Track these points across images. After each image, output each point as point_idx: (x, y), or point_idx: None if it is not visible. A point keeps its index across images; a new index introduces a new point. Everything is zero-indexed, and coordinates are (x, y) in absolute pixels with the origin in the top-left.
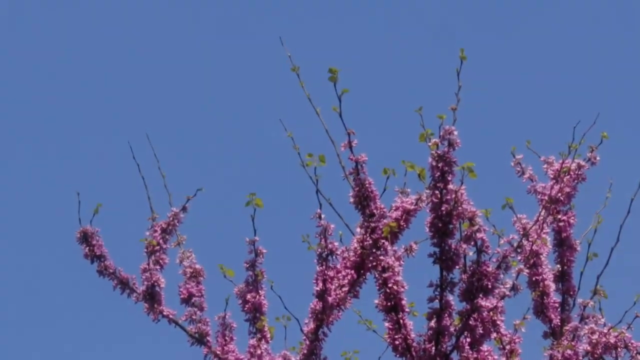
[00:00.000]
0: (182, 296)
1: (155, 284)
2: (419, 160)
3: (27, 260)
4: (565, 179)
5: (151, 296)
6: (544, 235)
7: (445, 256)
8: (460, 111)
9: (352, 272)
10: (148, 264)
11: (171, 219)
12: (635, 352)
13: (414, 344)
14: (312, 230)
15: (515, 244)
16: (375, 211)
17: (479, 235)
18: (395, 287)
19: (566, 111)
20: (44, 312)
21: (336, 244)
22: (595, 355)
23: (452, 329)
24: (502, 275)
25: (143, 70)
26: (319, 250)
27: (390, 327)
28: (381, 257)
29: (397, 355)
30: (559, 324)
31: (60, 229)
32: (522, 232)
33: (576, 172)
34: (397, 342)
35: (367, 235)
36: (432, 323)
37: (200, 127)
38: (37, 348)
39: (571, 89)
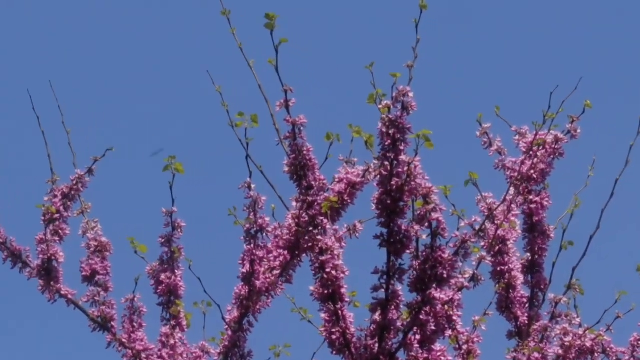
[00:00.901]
0: (83, 273)
1: (53, 257)
2: (367, 126)
3: None
4: (539, 154)
5: (47, 272)
6: (512, 218)
7: (394, 238)
8: (417, 70)
9: (285, 252)
10: (45, 235)
11: (74, 182)
12: (614, 357)
13: (354, 340)
14: (239, 202)
15: (477, 227)
16: (314, 183)
17: (434, 215)
18: (334, 272)
19: (543, 74)
20: None
21: (267, 219)
22: None
23: (399, 324)
24: (460, 263)
25: (47, 9)
26: (247, 225)
27: (327, 318)
28: (319, 237)
29: (334, 352)
30: (526, 322)
31: None
32: (486, 214)
33: (552, 146)
34: (334, 337)
35: (304, 210)
36: (376, 316)
37: (113, 76)
38: None
39: (549, 48)
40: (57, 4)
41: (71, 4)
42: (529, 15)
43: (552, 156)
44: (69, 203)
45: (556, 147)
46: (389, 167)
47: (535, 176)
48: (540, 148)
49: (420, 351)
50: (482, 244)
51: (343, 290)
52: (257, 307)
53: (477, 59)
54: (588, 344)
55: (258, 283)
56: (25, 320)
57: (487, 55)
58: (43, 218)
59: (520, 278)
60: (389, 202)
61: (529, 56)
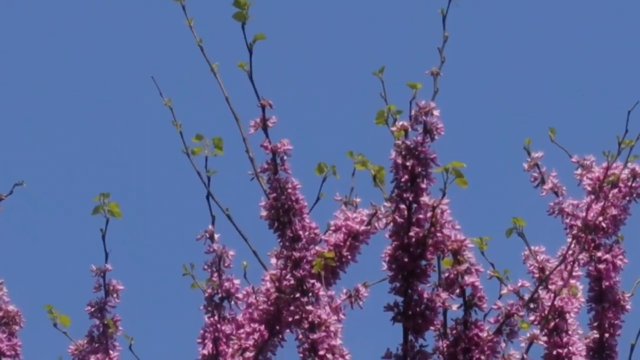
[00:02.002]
0: None
1: None
2: (375, 155)
3: None
4: (611, 194)
5: None
6: (573, 283)
7: (412, 310)
8: (445, 80)
9: (262, 328)
10: None
11: None
12: None
13: None
14: (199, 258)
15: (526, 295)
16: (301, 232)
17: (468, 279)
18: (330, 356)
19: (616, 88)
20: None
21: (237, 282)
22: None
23: None
24: (503, 345)
25: None
26: (210, 290)
27: None
28: (309, 307)
29: None
30: None
31: None
32: (538, 276)
33: (629, 184)
34: None
35: (288, 270)
36: None
37: (29, 81)
38: None
39: (625, 53)
40: None
41: None
42: (596, 10)
43: (628, 198)
44: None
45: (634, 185)
46: (406, 212)
47: (605, 225)
48: (613, 187)
49: None
50: (533, 318)
51: None
52: None
53: (523, 64)
54: None
55: None
56: None
57: (536, 59)
58: None
59: None
60: (406, 260)
61: (598, 63)
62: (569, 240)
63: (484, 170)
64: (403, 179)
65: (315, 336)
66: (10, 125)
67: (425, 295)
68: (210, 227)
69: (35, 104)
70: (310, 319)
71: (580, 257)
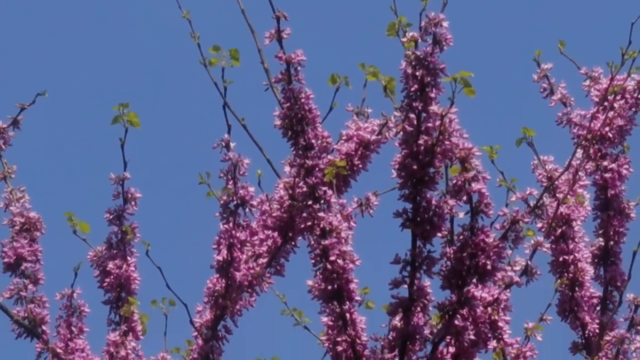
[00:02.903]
0: (6, 260)
1: None
2: (386, 66)
3: None
4: (616, 105)
5: None
6: (579, 191)
7: (421, 217)
8: None
9: (275, 235)
10: None
11: None
12: None
13: (367, 352)
14: (214, 166)
15: (533, 203)
16: (314, 141)
17: (475, 185)
18: (340, 261)
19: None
20: None
21: (251, 190)
22: None
23: (427, 332)
24: (509, 251)
25: None
26: (225, 198)
27: (331, 324)
28: (321, 214)
29: None
30: (597, 331)
31: None
32: (545, 184)
33: (634, 95)
34: (339, 348)
35: (301, 178)
36: (397, 321)
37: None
38: None
39: None
40: None
41: None
42: None
43: (633, 109)
44: None
45: (639, 96)
46: (415, 121)
47: (610, 135)
48: (618, 97)
49: None
50: (539, 225)
51: (352, 286)
52: (237, 307)
53: None
54: None
55: (238, 275)
56: None
57: None
58: None
59: (589, 272)
60: (415, 167)
61: None
62: (576, 149)
63: (493, 81)
64: (413, 89)
65: (326, 242)
66: (33, 36)
67: (434, 202)
68: (226, 136)
69: (57, 15)
70: (321, 226)
71: (587, 166)
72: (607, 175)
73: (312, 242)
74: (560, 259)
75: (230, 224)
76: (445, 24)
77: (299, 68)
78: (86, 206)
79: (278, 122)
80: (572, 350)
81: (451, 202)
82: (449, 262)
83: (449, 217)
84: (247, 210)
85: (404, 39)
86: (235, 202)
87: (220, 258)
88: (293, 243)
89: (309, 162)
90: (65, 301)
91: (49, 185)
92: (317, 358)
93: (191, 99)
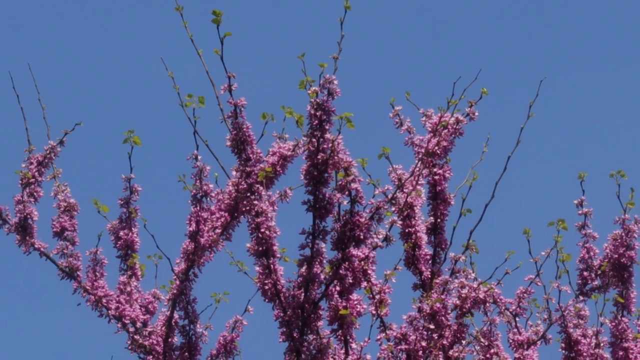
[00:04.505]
0: (54, 230)
1: (28, 216)
2: (298, 107)
3: None
4: (443, 133)
5: (23, 228)
6: (418, 187)
7: (319, 204)
8: (342, 61)
9: (226, 214)
10: (22, 196)
11: (48, 152)
12: (503, 307)
13: (284, 290)
14: (188, 170)
15: (389, 195)
16: (251, 155)
17: (353, 185)
18: (267, 232)
19: (447, 66)
20: None
21: (211, 185)
22: (464, 309)
23: (322, 277)
24: (375, 226)
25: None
26: (194, 191)
27: (261, 271)
28: (255, 202)
29: (266, 300)
30: (430, 276)
31: None
32: (397, 183)
33: (454, 127)
34: (266, 287)
35: (243, 179)
36: (303, 270)
37: (82, 61)
38: None
39: (454, 44)
40: None
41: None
42: (436, 15)
43: (453, 135)
44: (42, 169)
45: (457, 127)
46: (316, 144)
47: (439, 152)
48: (444, 128)
49: (340, 300)
50: (394, 209)
51: (275, 248)
52: (201, 260)
53: (392, 52)
54: (481, 296)
55: (202, 240)
56: (0, 270)
57: (400, 49)
58: (20, 182)
59: (424, 239)
60: (315, 173)
61: (436, 50)
62: (417, 161)
63: (365, 117)
64: (314, 123)
65: (258, 220)
66: (74, 81)
67: (327, 195)
68: (195, 151)
69: (95, 76)
70: (256, 209)
71: (424, 171)
72: (436, 177)
73: (249, 220)
74: (407, 230)
75: (198, 208)
76: (335, 82)
77: (242, 109)
78: (106, 195)
79: (228, 142)
80: (413, 288)
81: (338, 195)
82: (336, 233)
83: (337, 205)
84: (208, 199)
85: (309, 91)
86: (200, 194)
87: (191, 229)
88: (237, 220)
89: (248, 169)
90: (92, 256)
91: (83, 181)
92: (252, 293)
93: (174, 128)
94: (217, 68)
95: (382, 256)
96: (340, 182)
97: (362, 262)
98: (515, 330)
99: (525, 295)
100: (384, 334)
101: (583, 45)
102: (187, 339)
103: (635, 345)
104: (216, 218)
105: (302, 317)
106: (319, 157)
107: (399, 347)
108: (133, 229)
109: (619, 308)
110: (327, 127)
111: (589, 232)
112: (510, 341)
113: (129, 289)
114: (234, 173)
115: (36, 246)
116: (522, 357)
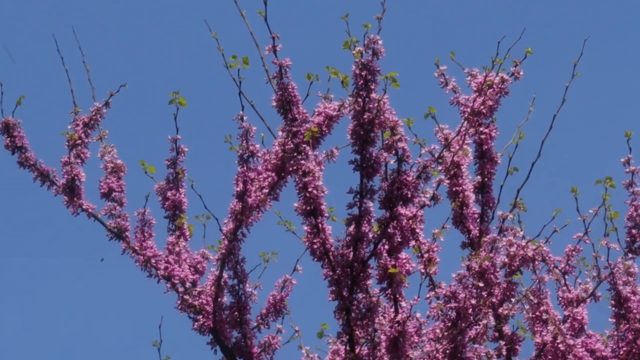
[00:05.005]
0: (102, 191)
1: (76, 177)
2: (343, 68)
3: None
4: (488, 92)
5: (71, 189)
6: (465, 147)
7: (366, 164)
8: (386, 21)
9: (273, 174)
10: (69, 158)
11: (94, 113)
12: (552, 265)
13: (332, 249)
14: (234, 131)
15: (436, 154)
16: (297, 115)
17: (400, 144)
18: (315, 191)
19: (492, 26)
20: None
21: (257, 146)
22: (513, 267)
23: (370, 236)
24: (422, 185)
25: None
26: (241, 151)
27: (309, 230)
28: (302, 161)
29: (315, 259)
30: (478, 235)
31: None
32: (444, 143)
33: (499, 86)
34: (315, 246)
35: (289, 138)
36: (351, 229)
37: (127, 23)
38: None
39: (498, 3)
40: None
41: None
42: None
43: (499, 94)
44: (89, 131)
45: (502, 86)
46: (361, 103)
47: (484, 111)
48: (489, 87)
49: (389, 259)
50: (440, 168)
51: (323, 207)
52: (249, 220)
53: (436, 12)
54: (530, 254)
55: (250, 200)
56: (50, 232)
57: (444, 8)
58: (67, 144)
59: (472, 197)
60: (361, 133)
61: (481, 10)
62: (463, 120)
63: (410, 77)
64: (359, 83)
65: (306, 179)
66: (119, 42)
67: (374, 155)
68: (241, 112)
69: (140, 38)
70: (303, 169)
71: (470, 131)
72: (483, 136)
73: (297, 179)
74: (454, 189)
75: (244, 168)
76: (380, 42)
77: (287, 69)
78: (153, 157)
79: (274, 103)
80: (461, 246)
81: (385, 154)
82: (384, 192)
83: (384, 164)
84: (255, 159)
85: (354, 51)
86: (247, 154)
87: (238, 189)
88: (285, 180)
89: (294, 129)
90: (140, 216)
91: (129, 142)
92: (301, 252)
93: (221, 89)
94: (261, 29)
95: (430, 215)
96: (386, 142)
97: (410, 221)
98: (565, 288)
99: (573, 253)
100: (433, 293)
101: (627, 3)
102: (237, 298)
103: None
104: (263, 178)
105: (351, 276)
106: (365, 116)
107: (449, 305)
108: (180, 189)
109: None
110: (372, 87)
111: (636, 190)
112: (560, 299)
113: (177, 249)
114: (280, 133)
115: (84, 207)
116: (571, 315)
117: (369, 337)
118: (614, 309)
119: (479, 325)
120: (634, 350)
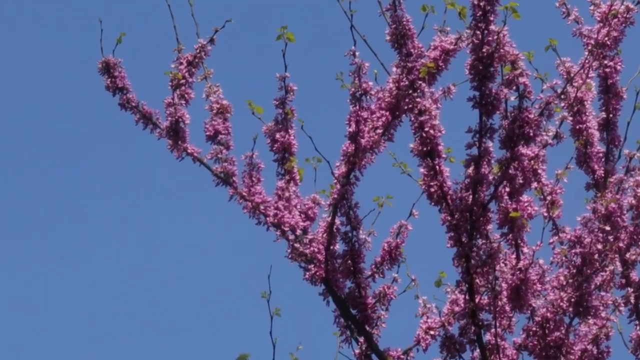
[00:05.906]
0: (207, 133)
1: (180, 119)
2: None
3: (47, 90)
4: (612, 22)
5: (175, 132)
6: (589, 81)
7: (485, 100)
8: None
9: (387, 113)
10: (172, 98)
11: (198, 51)
12: None
13: (450, 192)
14: (345, 68)
15: (559, 90)
16: (412, 50)
17: (521, 79)
18: (431, 131)
19: None
20: (64, 142)
21: (370, 83)
22: None
23: (490, 178)
24: (544, 123)
25: None
26: (353, 89)
27: (426, 173)
28: (417, 99)
29: (432, 203)
30: (603, 175)
31: (81, 58)
32: (566, 77)
33: (624, 15)
34: (432, 190)
35: (404, 75)
36: (470, 170)
37: None
38: (61, 176)
39: None
40: None
41: None
42: None
43: (624, 24)
44: (193, 70)
45: (628, 16)
46: (480, 36)
47: (609, 43)
48: (614, 17)
49: (510, 202)
50: (563, 104)
51: (440, 147)
52: (363, 162)
53: None
54: None
55: (363, 141)
56: (154, 177)
57: None
58: (170, 84)
59: (596, 135)
60: (480, 67)
61: None
62: (586, 53)
63: (531, 7)
64: (478, 14)
65: (422, 118)
66: None
67: (493, 91)
68: (353, 47)
69: None
70: (418, 107)
71: (593, 64)
72: (607, 70)
73: (412, 119)
74: (578, 127)
75: (357, 107)
76: None
77: (401, 1)
78: (261, 96)
79: (388, 37)
80: (586, 188)
81: (505, 90)
82: (504, 131)
83: (504, 101)
84: (368, 97)
85: None
86: (360, 92)
87: (351, 130)
88: (399, 119)
89: (409, 64)
90: (248, 160)
91: (235, 81)
92: (417, 196)
93: (330, 24)
94: None
95: (553, 155)
96: (506, 77)
97: (532, 161)
98: None
99: None
100: (556, 237)
101: None
102: (350, 246)
103: None
104: (377, 117)
105: (470, 221)
106: (483, 50)
107: (574, 250)
108: (290, 130)
109: None
110: (491, 18)
111: None
112: None
113: (287, 194)
114: (394, 69)
115: (189, 151)
116: None
117: (489, 286)
118: None
119: (605, 271)
120: None
